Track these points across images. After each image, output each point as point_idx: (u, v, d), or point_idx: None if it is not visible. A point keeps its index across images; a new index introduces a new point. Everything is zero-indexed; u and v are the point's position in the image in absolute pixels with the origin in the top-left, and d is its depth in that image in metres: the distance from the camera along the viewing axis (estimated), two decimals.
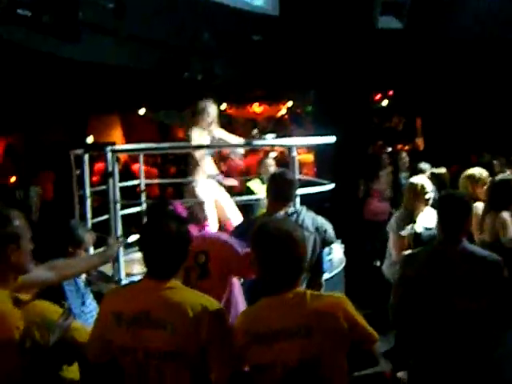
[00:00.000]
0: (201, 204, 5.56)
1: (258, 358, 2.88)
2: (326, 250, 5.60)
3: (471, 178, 6.43)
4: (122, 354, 2.99)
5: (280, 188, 4.92)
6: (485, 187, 6.05)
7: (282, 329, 2.82)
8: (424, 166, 8.38)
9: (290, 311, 2.86)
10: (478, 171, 6.50)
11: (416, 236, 5.94)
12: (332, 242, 5.21)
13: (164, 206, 4.43)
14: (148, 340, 2.89)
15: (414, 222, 6.07)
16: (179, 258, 3.08)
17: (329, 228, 5.00)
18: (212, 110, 6.94)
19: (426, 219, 6.08)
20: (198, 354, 2.89)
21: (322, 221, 4.99)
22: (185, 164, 7.36)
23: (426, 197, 6.14)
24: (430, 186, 6.24)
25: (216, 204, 6.76)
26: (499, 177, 5.96)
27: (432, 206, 6.16)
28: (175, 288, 3.00)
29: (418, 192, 6.16)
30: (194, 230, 4.29)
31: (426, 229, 5.96)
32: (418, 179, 6.45)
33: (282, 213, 4.78)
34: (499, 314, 3.77)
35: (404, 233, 5.96)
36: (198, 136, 6.78)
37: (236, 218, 6.80)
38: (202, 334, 2.87)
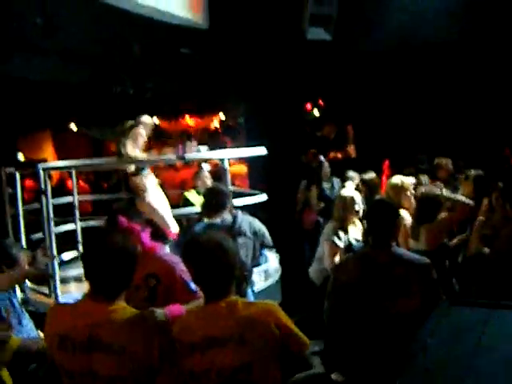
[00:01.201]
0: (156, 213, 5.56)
1: (193, 366, 2.91)
2: (262, 258, 5.70)
3: (394, 186, 6.69)
4: (68, 378, 2.94)
5: (213, 199, 5.00)
6: (407, 194, 6.42)
7: (215, 337, 2.87)
8: (352, 174, 8.52)
9: (223, 319, 2.90)
10: (401, 179, 6.75)
11: (347, 247, 6.10)
12: (270, 246, 5.29)
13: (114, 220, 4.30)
14: (96, 364, 2.85)
15: (346, 232, 6.22)
16: (125, 276, 3.02)
17: (265, 231, 5.09)
18: (149, 125, 6.96)
19: (357, 231, 6.25)
20: (148, 375, 2.89)
21: (258, 225, 5.07)
22: (119, 178, 7.33)
23: (356, 208, 6.29)
24: (359, 198, 6.40)
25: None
26: (424, 190, 6.28)
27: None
28: (122, 309, 2.97)
29: (348, 204, 6.30)
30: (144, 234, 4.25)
31: (357, 240, 6.12)
32: (347, 192, 6.59)
33: (218, 219, 4.84)
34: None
35: (340, 243, 6.08)
36: (133, 149, 6.77)
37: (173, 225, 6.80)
38: (153, 354, 2.87)
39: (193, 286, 4.05)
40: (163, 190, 7.10)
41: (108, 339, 2.86)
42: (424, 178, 7.90)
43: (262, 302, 3.17)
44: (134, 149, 6.80)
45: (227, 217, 4.97)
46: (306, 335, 3.06)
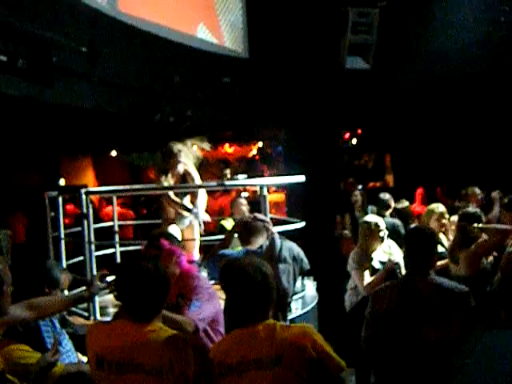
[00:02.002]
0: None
1: None
2: (298, 286, 5.70)
3: (430, 212, 6.76)
4: None
5: (252, 224, 5.04)
6: (443, 221, 6.45)
7: (252, 360, 2.90)
8: (384, 196, 8.54)
9: (261, 342, 2.94)
10: (436, 205, 6.81)
11: (374, 271, 6.13)
12: (307, 269, 5.30)
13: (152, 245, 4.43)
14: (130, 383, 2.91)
15: (370, 256, 6.26)
16: (158, 299, 3.11)
17: (304, 256, 5.11)
18: (183, 154, 7.05)
19: (381, 254, 6.28)
20: None
21: (297, 249, 5.09)
22: (157, 204, 7.41)
23: (381, 234, 6.31)
24: (383, 224, 6.41)
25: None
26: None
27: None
28: (158, 330, 3.02)
29: (373, 230, 6.31)
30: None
31: (381, 262, 6.14)
32: (371, 218, 6.62)
33: (257, 245, 4.86)
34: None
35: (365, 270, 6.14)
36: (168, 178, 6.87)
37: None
38: (189, 375, 2.91)
39: (194, 307, 4.13)
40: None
41: (144, 360, 2.90)
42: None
43: (299, 325, 3.22)
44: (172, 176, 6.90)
45: (266, 243, 4.99)
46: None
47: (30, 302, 3.53)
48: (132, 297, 3.06)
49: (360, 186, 11.55)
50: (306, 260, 5.10)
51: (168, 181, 6.94)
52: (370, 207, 9.40)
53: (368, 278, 6.12)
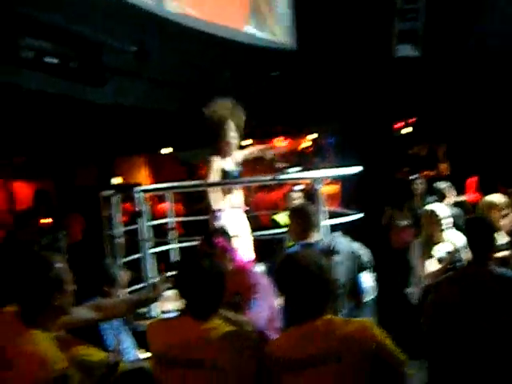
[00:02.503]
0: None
1: None
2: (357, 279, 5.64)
3: (488, 204, 6.56)
4: None
5: (307, 216, 4.99)
6: (502, 213, 6.25)
7: (312, 356, 2.87)
8: (441, 185, 8.40)
9: (320, 338, 2.91)
10: (496, 198, 6.62)
11: (437, 261, 6.02)
12: (367, 268, 5.23)
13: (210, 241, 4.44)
14: (191, 380, 2.93)
15: (434, 245, 6.15)
16: (217, 295, 3.12)
17: (363, 253, 5.05)
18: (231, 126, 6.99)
19: (446, 244, 6.15)
20: None
21: (355, 245, 5.04)
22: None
23: (443, 222, 6.19)
24: (446, 211, 6.29)
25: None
26: None
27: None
28: (217, 327, 3.03)
29: (435, 218, 6.21)
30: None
31: (448, 253, 6.02)
32: (433, 205, 6.52)
33: (311, 240, 4.82)
34: None
35: (432, 259, 6.00)
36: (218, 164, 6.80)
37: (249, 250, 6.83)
38: (248, 372, 2.92)
39: (254, 308, 4.11)
40: (255, 211, 7.15)
41: (204, 356, 2.91)
42: None
43: (359, 319, 3.20)
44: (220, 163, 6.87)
45: (321, 237, 4.96)
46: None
47: (96, 304, 3.59)
48: (190, 294, 3.09)
49: (415, 176, 11.38)
50: (365, 257, 5.05)
51: None
52: (429, 198, 9.25)
53: (432, 267, 6.00)
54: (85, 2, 7.75)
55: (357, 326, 2.95)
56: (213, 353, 2.92)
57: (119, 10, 8.31)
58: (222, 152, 6.75)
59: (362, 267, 5.11)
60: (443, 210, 6.33)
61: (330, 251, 4.76)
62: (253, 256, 6.60)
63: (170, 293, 6.38)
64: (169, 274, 4.26)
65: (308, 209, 5.14)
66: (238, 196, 6.90)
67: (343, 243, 4.96)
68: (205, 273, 3.08)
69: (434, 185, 8.52)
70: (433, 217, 6.22)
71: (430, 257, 6.10)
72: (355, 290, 5.01)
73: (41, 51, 6.91)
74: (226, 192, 6.70)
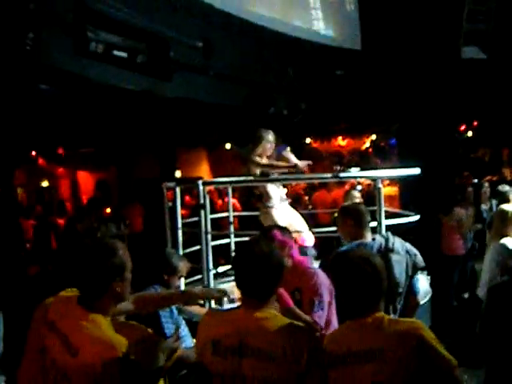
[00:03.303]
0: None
1: (336, 379, 2.94)
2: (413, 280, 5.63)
3: None
4: (219, 381, 3.03)
5: (360, 215, 5.01)
6: None
7: (359, 351, 2.90)
8: (503, 188, 8.30)
9: (368, 335, 2.93)
10: None
11: None
12: (422, 267, 5.21)
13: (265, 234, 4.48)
14: (246, 369, 2.94)
15: None
16: (273, 282, 3.10)
17: (417, 253, 5.04)
18: (271, 137, 7.06)
19: None
20: (296, 382, 2.92)
21: (410, 245, 5.03)
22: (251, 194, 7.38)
23: None
24: None
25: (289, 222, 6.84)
26: None
27: None
28: (271, 317, 3.03)
29: (509, 218, 6.14)
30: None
31: None
32: (508, 206, 6.43)
33: (369, 239, 4.84)
34: None
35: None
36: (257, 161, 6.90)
37: (305, 231, 6.86)
38: (301, 362, 2.91)
39: (318, 309, 4.14)
40: (315, 209, 7.20)
41: (259, 345, 2.93)
42: None
43: (409, 320, 3.18)
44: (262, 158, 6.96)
45: (378, 236, 4.97)
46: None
47: (137, 296, 3.62)
48: (246, 279, 3.08)
49: (475, 180, 11.26)
50: (419, 256, 5.04)
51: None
52: (493, 201, 9.14)
53: None
54: None
55: (404, 327, 2.94)
56: (268, 343, 2.93)
57: (186, 6, 8.47)
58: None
59: (416, 267, 5.09)
60: None
61: (389, 250, 4.77)
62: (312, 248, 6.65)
63: (227, 286, 6.52)
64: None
65: (360, 208, 5.15)
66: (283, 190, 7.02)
67: (398, 242, 4.96)
68: (260, 256, 3.06)
69: (498, 188, 8.41)
70: (509, 217, 6.15)
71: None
72: (410, 290, 5.00)
73: (110, 45, 7.06)
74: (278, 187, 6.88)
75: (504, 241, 6.00)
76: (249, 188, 8.18)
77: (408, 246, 5.05)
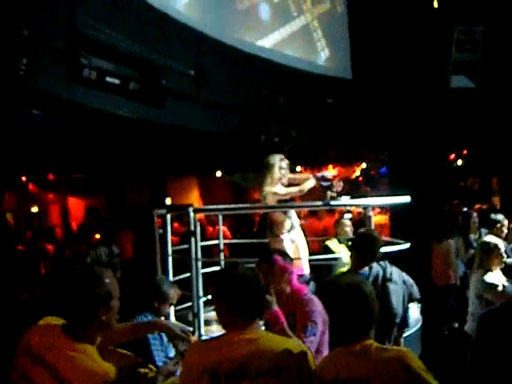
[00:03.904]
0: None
1: None
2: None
3: None
4: None
5: (366, 246, 5.01)
6: None
7: (345, 379, 2.89)
8: (496, 216, 8.33)
9: (354, 362, 2.92)
10: None
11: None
12: (417, 298, 5.22)
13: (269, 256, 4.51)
14: None
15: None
16: (259, 305, 3.10)
17: (413, 284, 5.04)
18: (284, 163, 7.06)
19: (501, 275, 6.13)
20: None
21: (406, 276, 5.04)
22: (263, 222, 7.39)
23: (502, 255, 6.17)
24: (503, 246, 6.27)
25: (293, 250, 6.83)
26: None
27: None
28: (263, 337, 3.04)
29: (497, 251, 6.18)
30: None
31: (503, 286, 5.98)
32: (491, 239, 6.49)
33: (366, 269, 4.84)
34: None
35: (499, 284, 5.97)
36: (274, 191, 6.89)
37: (305, 259, 6.86)
38: (303, 375, 2.94)
39: (310, 335, 4.14)
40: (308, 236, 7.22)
41: (260, 365, 2.90)
42: None
43: (396, 348, 3.14)
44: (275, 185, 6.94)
45: (375, 265, 4.97)
46: None
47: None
48: (233, 299, 3.05)
49: (465, 208, 11.28)
50: (415, 287, 5.04)
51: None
52: (482, 230, 9.15)
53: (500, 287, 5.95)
54: (146, 25, 8.00)
55: (390, 355, 2.92)
56: (269, 364, 2.90)
57: (179, 34, 8.54)
58: None
59: (412, 298, 5.10)
60: (500, 243, 6.31)
61: (386, 279, 4.78)
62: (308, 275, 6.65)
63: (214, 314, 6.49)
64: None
65: (373, 234, 5.17)
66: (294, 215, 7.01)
67: (396, 272, 4.97)
68: (243, 275, 3.09)
69: (491, 216, 8.44)
70: (496, 250, 6.19)
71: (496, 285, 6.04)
72: (403, 320, 5.01)
73: (103, 71, 7.09)
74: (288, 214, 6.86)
75: (485, 275, 6.06)
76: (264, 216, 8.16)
77: (405, 276, 5.07)
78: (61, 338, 2.88)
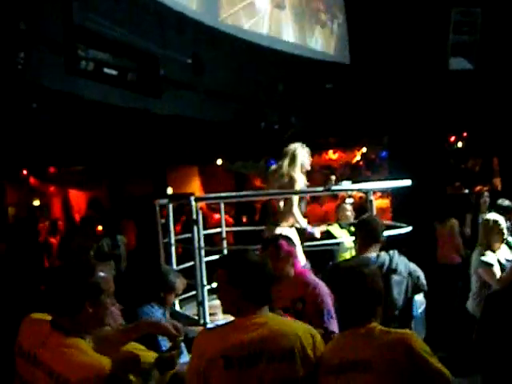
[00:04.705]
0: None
1: None
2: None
3: None
4: None
5: (369, 230, 5.01)
6: None
7: (350, 361, 2.92)
8: (504, 202, 8.33)
9: (359, 345, 2.96)
10: None
11: (500, 269, 5.99)
12: (424, 290, 5.20)
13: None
14: (265, 375, 2.92)
15: (494, 252, 6.13)
16: (267, 283, 3.13)
17: (421, 274, 5.02)
18: (305, 151, 7.05)
19: (505, 252, 6.13)
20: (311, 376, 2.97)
21: (414, 267, 5.02)
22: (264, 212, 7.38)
23: (505, 232, 6.17)
24: (504, 223, 6.27)
25: None
26: None
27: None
28: (272, 320, 3.06)
29: (494, 228, 6.18)
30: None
31: (507, 260, 5.99)
32: (492, 216, 6.49)
33: (373, 254, 4.83)
34: None
35: (493, 263, 5.98)
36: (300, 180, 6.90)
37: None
38: (312, 359, 2.97)
39: (327, 317, 4.16)
40: (310, 222, 7.24)
41: (275, 348, 2.93)
42: None
43: (400, 331, 3.13)
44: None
45: (383, 254, 4.95)
46: (451, 372, 2.95)
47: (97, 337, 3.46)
48: (249, 286, 3.07)
49: (466, 190, 11.29)
50: (422, 278, 5.02)
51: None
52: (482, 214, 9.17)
53: (497, 274, 5.96)
54: (143, 16, 7.97)
55: (393, 338, 2.95)
56: (283, 345, 2.95)
57: (176, 24, 8.51)
58: None
59: (418, 289, 5.08)
60: (501, 219, 6.31)
61: (391, 270, 4.77)
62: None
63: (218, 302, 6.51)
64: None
65: (375, 218, 5.17)
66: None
67: (402, 263, 4.95)
68: (258, 262, 3.13)
69: (498, 202, 8.43)
70: (496, 226, 6.20)
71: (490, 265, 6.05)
72: (408, 311, 4.99)
73: (100, 63, 7.08)
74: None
75: (484, 255, 6.07)
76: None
77: (412, 266, 5.04)
78: (51, 335, 2.84)
